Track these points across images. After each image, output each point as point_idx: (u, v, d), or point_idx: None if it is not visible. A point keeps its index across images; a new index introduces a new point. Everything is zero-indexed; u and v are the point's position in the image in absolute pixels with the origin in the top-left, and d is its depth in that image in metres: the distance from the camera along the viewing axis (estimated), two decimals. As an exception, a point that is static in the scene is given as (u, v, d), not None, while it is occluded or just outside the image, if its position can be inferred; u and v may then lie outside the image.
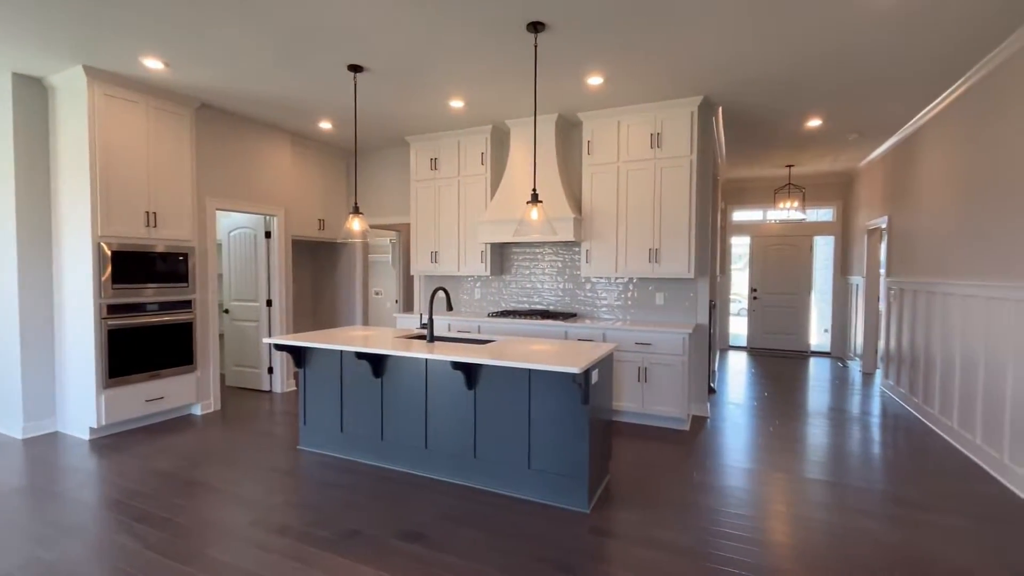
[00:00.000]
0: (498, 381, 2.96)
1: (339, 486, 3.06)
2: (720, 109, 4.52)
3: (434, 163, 5.36)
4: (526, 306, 5.28)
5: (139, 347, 4.00)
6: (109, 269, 3.80)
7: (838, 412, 4.73)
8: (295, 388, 5.50)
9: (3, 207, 3.89)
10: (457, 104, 4.41)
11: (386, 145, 5.93)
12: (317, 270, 6.60)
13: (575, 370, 2.46)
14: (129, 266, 3.92)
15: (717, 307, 6.97)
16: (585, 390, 2.64)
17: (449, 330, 5.04)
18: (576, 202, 4.85)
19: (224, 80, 3.90)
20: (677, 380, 4.12)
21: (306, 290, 6.52)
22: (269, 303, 5.29)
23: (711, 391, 5.32)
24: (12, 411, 3.91)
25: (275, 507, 2.79)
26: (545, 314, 4.78)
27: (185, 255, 4.31)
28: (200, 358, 4.50)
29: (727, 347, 8.54)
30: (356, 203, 3.63)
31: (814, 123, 4.97)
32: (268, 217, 5.24)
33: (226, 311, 5.55)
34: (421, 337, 3.72)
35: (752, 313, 8.42)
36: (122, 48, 3.33)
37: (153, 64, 3.57)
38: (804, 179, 7.97)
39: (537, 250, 5.22)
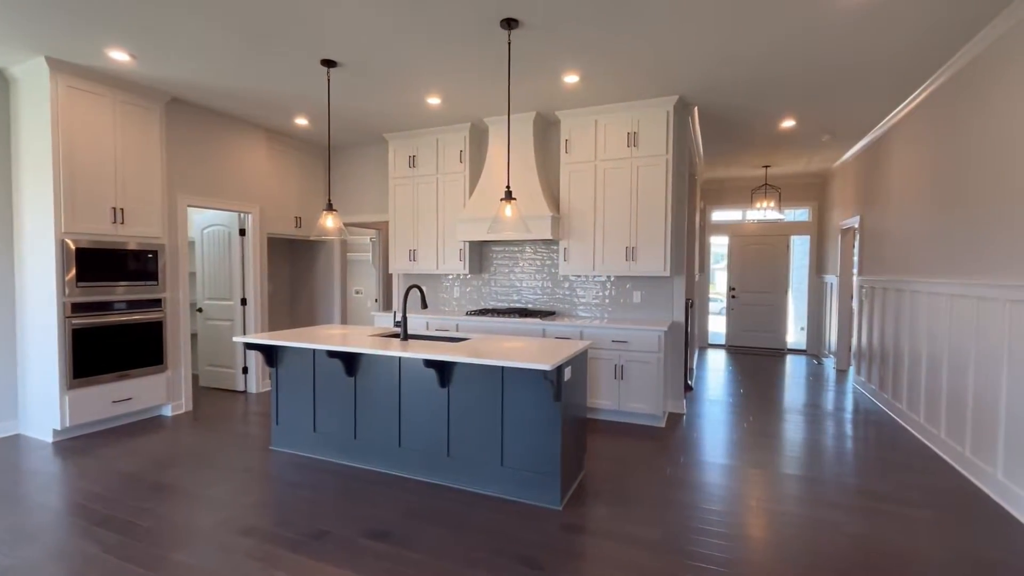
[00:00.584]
0: (472, 379, 2.95)
1: (310, 486, 3.01)
2: (696, 109, 4.57)
3: (412, 161, 5.32)
4: (505, 304, 5.28)
5: (106, 347, 3.90)
6: (74, 267, 3.70)
7: (812, 408, 4.81)
8: (269, 388, 5.40)
9: (-39, 202, 3.77)
10: (434, 101, 4.39)
11: (364, 142, 5.87)
12: (295, 269, 6.51)
13: (546, 367, 2.46)
14: (95, 264, 3.82)
15: (695, 305, 7.04)
16: (557, 387, 2.64)
17: (427, 328, 5.01)
18: (554, 200, 4.85)
19: (193, 74, 3.83)
20: (653, 378, 4.15)
21: (284, 289, 6.43)
22: (244, 302, 5.21)
23: (688, 388, 5.37)
24: (-29, 413, 3.78)
25: (243, 508, 2.74)
26: (524, 312, 4.78)
27: (155, 252, 4.21)
28: (171, 358, 4.40)
29: (706, 345, 8.64)
30: (330, 200, 3.59)
31: (788, 124, 5.05)
32: (243, 214, 5.15)
33: (199, 310, 5.44)
34: (396, 335, 3.69)
35: (731, 312, 8.53)
36: (86, 39, 3.24)
37: (119, 56, 3.48)
38: (780, 179, 8.11)
39: (516, 248, 5.21)
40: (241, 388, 5.28)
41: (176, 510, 2.71)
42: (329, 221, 3.58)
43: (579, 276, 4.92)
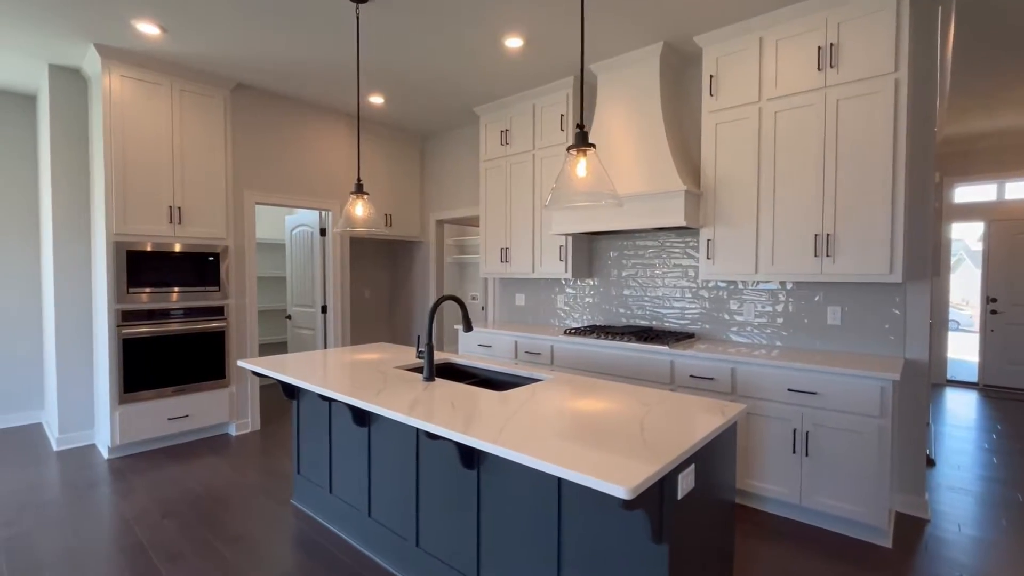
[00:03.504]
0: (510, 464, 1.70)
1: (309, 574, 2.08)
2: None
3: (505, 136, 4.23)
4: (622, 321, 3.86)
5: (160, 359, 3.55)
6: (125, 271, 3.39)
7: None
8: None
9: (45, 206, 3.75)
10: (515, 43, 3.22)
11: (455, 123, 4.97)
12: (394, 273, 5.93)
13: (622, 492, 1.10)
14: (148, 268, 3.48)
15: (933, 328, 4.68)
16: (657, 522, 1.26)
17: (514, 351, 3.85)
18: (691, 170, 3.31)
19: (226, 47, 3.26)
20: (869, 457, 2.38)
21: (383, 295, 5.89)
22: (324, 309, 4.67)
23: (929, 463, 3.31)
24: (54, 420, 3.73)
25: (186, 618, 1.89)
26: (646, 334, 3.33)
27: (216, 255, 3.80)
28: (234, 372, 3.97)
29: (943, 382, 5.94)
30: (359, 180, 2.66)
31: None
32: (322, 212, 4.63)
33: (288, 317, 5.09)
34: (449, 370, 2.61)
35: (989, 334, 5.71)
36: (111, 9, 2.81)
37: (147, 29, 3.02)
38: (1090, 128, 5.12)
39: (639, 243, 3.76)
40: (322, 405, 4.76)
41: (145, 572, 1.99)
42: (358, 208, 2.65)
43: (731, 282, 3.29)
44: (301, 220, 4.89)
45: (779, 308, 3.11)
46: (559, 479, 1.56)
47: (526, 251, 4.11)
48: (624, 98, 3.40)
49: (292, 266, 5.04)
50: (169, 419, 3.61)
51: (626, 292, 3.83)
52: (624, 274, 3.84)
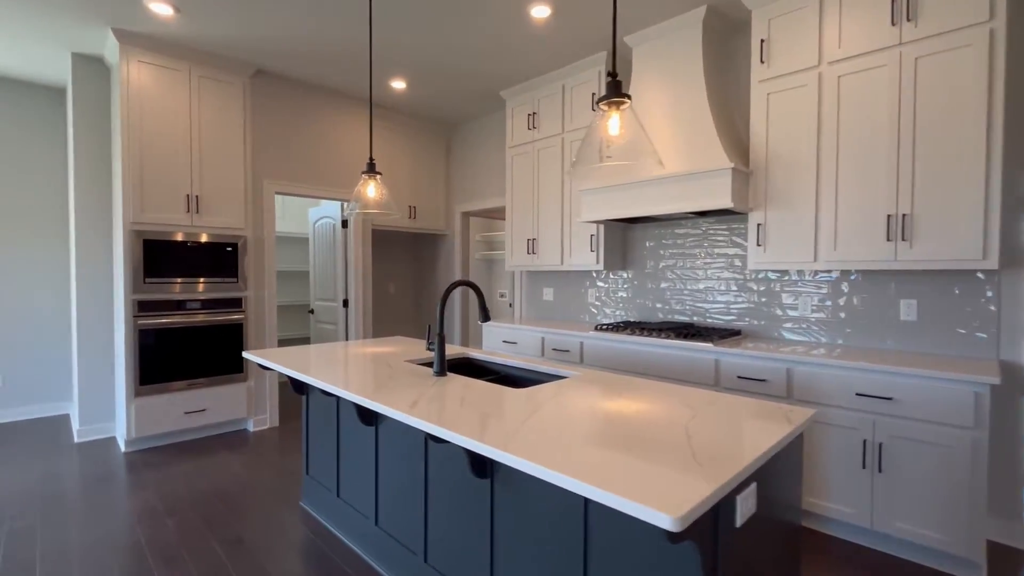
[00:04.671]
0: (528, 474, 1.45)
1: (291, 601, 1.88)
2: (1063, -75, 2.22)
3: (532, 120, 3.98)
4: (659, 316, 3.54)
5: (177, 350, 3.47)
6: (141, 261, 3.31)
7: None
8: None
9: (71, 199, 3.74)
10: (542, 12, 2.97)
11: (481, 111, 4.75)
12: (418, 267, 5.76)
13: (667, 521, 0.83)
14: (164, 258, 3.40)
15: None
16: (711, 554, 0.98)
17: (542, 346, 3.59)
18: (738, 148, 2.97)
19: (244, 28, 3.13)
20: (959, 474, 2.01)
21: (407, 290, 5.73)
22: (345, 303, 4.53)
23: None
24: (76, 413, 3.71)
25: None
26: (686, 330, 3.01)
27: (234, 245, 3.70)
28: (253, 365, 3.86)
29: None
30: (372, 159, 2.46)
31: None
32: (344, 203, 4.49)
33: (311, 311, 4.98)
34: (466, 366, 2.38)
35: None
36: (116, -13, 2.73)
37: (160, 9, 2.92)
38: None
39: (677, 230, 3.44)
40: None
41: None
42: (370, 189, 2.45)
43: (784, 272, 2.93)
44: (324, 212, 4.77)
45: (841, 301, 2.73)
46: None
47: (554, 242, 3.84)
48: (663, 71, 3.10)
49: (315, 259, 4.93)
50: (185, 413, 3.52)
51: (663, 285, 3.51)
52: (661, 265, 3.52)
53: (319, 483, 2.51)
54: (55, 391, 4.20)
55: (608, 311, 3.85)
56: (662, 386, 1.76)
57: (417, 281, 5.77)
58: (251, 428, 3.86)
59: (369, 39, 2.68)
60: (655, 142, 3.05)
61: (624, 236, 3.73)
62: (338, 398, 2.33)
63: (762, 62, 2.74)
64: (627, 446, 1.15)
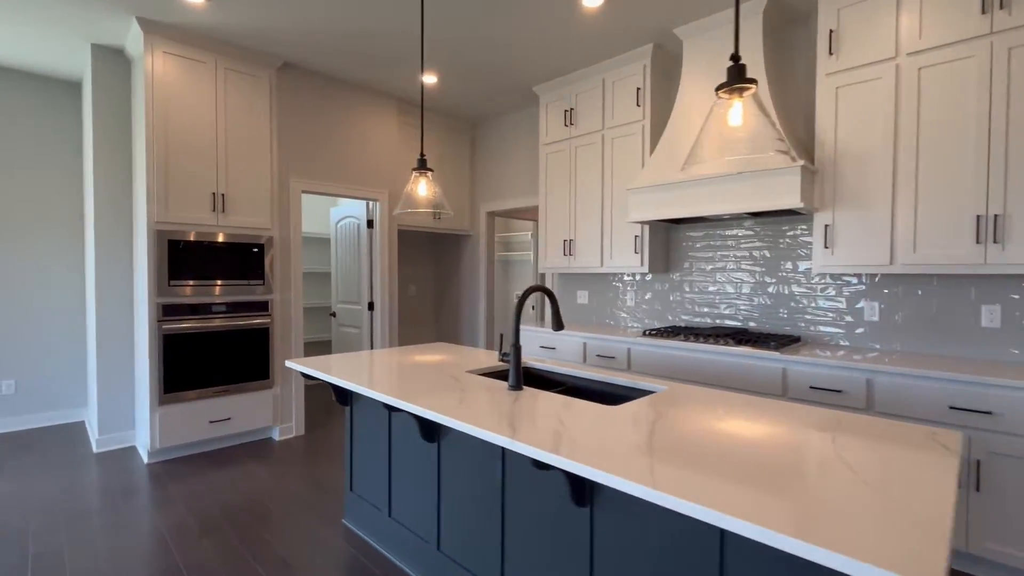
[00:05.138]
0: (636, 503, 1.30)
1: (352, 636, 1.72)
2: None
3: (569, 116, 3.83)
4: (706, 321, 3.39)
5: (202, 356, 3.30)
6: (166, 262, 3.15)
7: None
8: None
9: (88, 198, 3.58)
10: (594, 1, 2.81)
11: (511, 106, 4.60)
12: (441, 269, 5.61)
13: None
14: (190, 259, 3.24)
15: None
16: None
17: (584, 352, 3.44)
18: (800, 145, 2.83)
19: (273, 18, 2.97)
20: (1067, 499, 1.86)
21: (427, 293, 5.57)
22: (371, 306, 4.37)
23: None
24: (94, 421, 3.54)
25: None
26: (740, 337, 2.86)
27: (261, 246, 3.54)
28: (279, 371, 3.70)
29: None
30: (423, 154, 2.30)
31: None
32: (370, 203, 4.33)
33: (333, 314, 4.82)
34: (504, 375, 2.22)
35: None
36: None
37: (191, -5, 2.77)
38: None
39: (727, 231, 3.29)
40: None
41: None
42: (421, 187, 2.29)
43: (847, 276, 2.78)
44: (347, 212, 4.61)
45: (911, 306, 2.59)
46: (720, 532, 1.14)
47: (593, 243, 3.69)
48: (718, 65, 2.95)
49: (337, 260, 4.77)
50: (210, 422, 3.36)
51: (710, 288, 3.37)
52: (708, 268, 3.38)
53: (365, 501, 2.35)
54: (70, 397, 4.03)
55: (649, 315, 3.70)
56: (764, 402, 1.61)
57: (437, 283, 5.61)
58: (276, 437, 3.70)
59: (421, 26, 2.52)
60: (711, 139, 2.89)
61: (667, 237, 3.58)
62: (390, 411, 2.17)
63: (830, 54, 2.59)
64: (782, 482, 1.00)
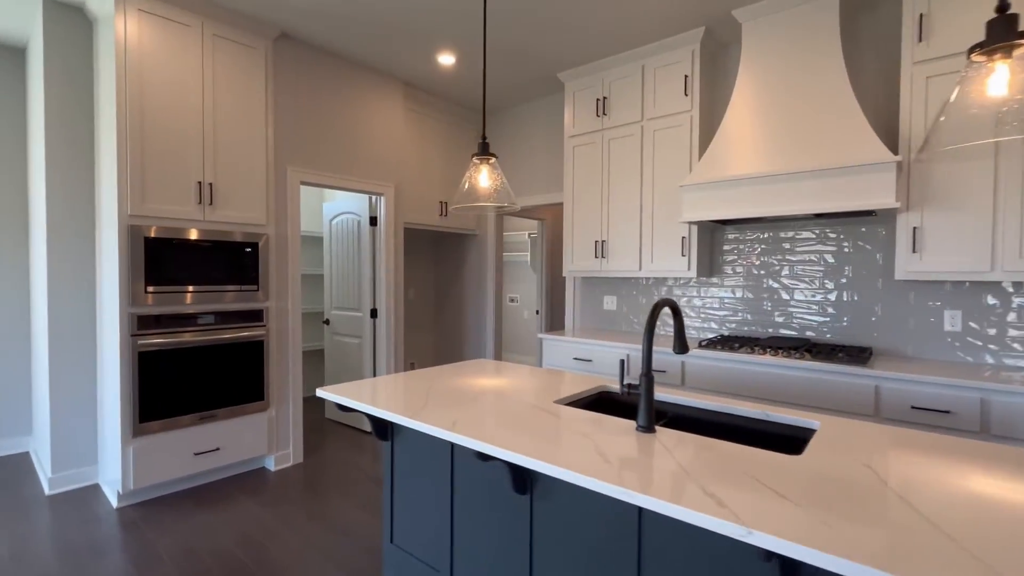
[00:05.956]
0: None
1: None
2: None
3: (602, 105, 3.50)
4: (755, 330, 3.14)
5: (186, 377, 2.78)
6: (142, 264, 2.61)
7: None
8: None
9: (36, 188, 2.97)
10: (659, -28, 2.49)
11: (527, 96, 4.24)
12: (440, 271, 5.17)
13: None
14: (172, 260, 2.71)
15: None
16: None
17: (627, 366, 3.12)
18: (888, 137, 2.60)
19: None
20: None
21: (426, 296, 5.12)
22: (374, 313, 3.91)
23: None
24: (46, 454, 2.94)
25: None
26: (804, 347, 2.62)
27: (255, 245, 3.03)
28: (275, 391, 3.20)
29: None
30: (484, 137, 1.91)
31: None
32: (373, 197, 3.86)
33: (326, 322, 4.32)
34: (611, 404, 1.87)
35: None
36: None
37: (181, -62, 2.26)
38: None
39: (782, 232, 3.05)
40: (368, 428, 3.99)
41: None
42: (483, 177, 1.90)
43: (943, 279, 2.58)
44: (344, 207, 4.12)
45: (1010, 315, 2.40)
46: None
47: (629, 244, 3.38)
48: (785, 50, 2.69)
49: (332, 262, 4.27)
50: (196, 454, 2.83)
51: (763, 295, 3.12)
52: (760, 272, 3.13)
53: (412, 556, 1.94)
54: (9, 424, 3.37)
55: (694, 324, 3.42)
56: (1007, 451, 1.32)
57: (439, 286, 5.18)
58: (272, 466, 3.19)
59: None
60: (779, 132, 2.64)
61: (711, 239, 3.31)
62: (453, 450, 1.77)
63: (920, 40, 2.36)
64: None
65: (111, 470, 2.73)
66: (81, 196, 2.92)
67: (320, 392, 1.85)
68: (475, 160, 1.91)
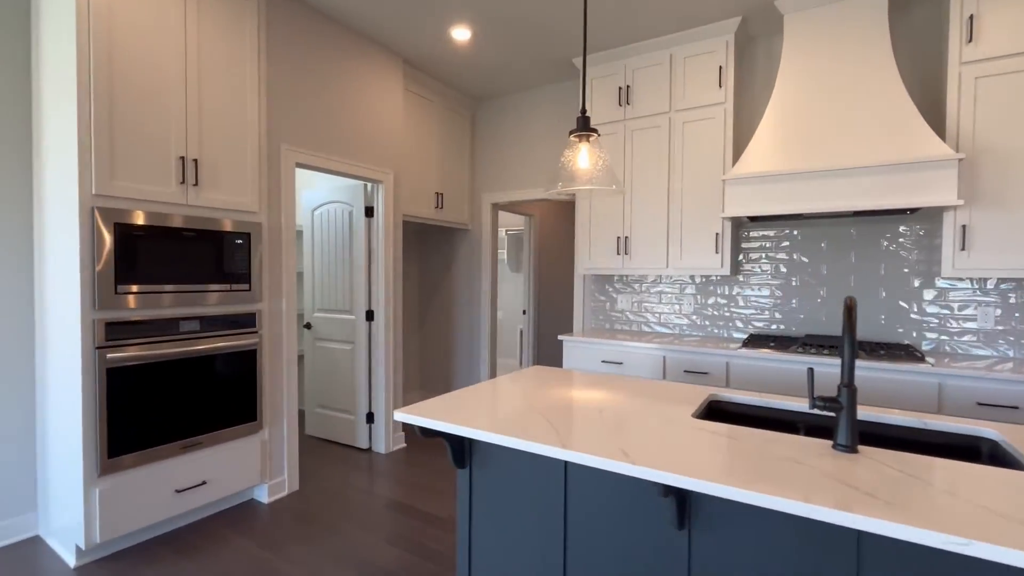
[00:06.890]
0: None
1: None
2: None
3: (624, 95, 3.33)
4: (781, 328, 3.10)
5: (164, 396, 2.25)
6: (112, 258, 2.07)
7: None
8: (405, 446, 3.64)
9: (-45, 152, 2.31)
10: (724, -51, 2.35)
11: (534, 82, 3.98)
12: (426, 269, 4.78)
13: None
14: (147, 253, 2.18)
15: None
16: None
17: (663, 368, 2.96)
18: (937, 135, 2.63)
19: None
20: None
21: (412, 297, 4.72)
22: (370, 315, 3.48)
23: None
24: (-36, 503, 2.28)
25: None
26: (862, 347, 2.59)
27: (246, 236, 2.55)
28: (269, 409, 2.72)
29: None
30: (584, 110, 1.64)
31: None
32: (370, 185, 3.44)
33: (307, 325, 3.81)
34: (733, 415, 1.68)
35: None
36: None
37: None
38: None
39: (816, 229, 3.03)
40: (364, 445, 3.55)
41: None
42: (582, 156, 1.63)
43: (977, 281, 2.64)
44: (330, 196, 3.64)
45: (1039, 312, 2.49)
46: None
47: (655, 241, 3.24)
48: (833, 43, 2.65)
49: (315, 257, 3.77)
50: (177, 491, 2.31)
51: (792, 293, 3.09)
52: (787, 270, 3.09)
53: (500, 604, 1.63)
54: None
55: (713, 322, 3.34)
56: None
57: (426, 285, 4.78)
58: (264, 498, 2.71)
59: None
60: (826, 127, 2.59)
61: (737, 236, 3.24)
62: (566, 476, 1.49)
63: (969, 41, 2.39)
64: None
65: (60, 518, 2.16)
66: (12, 167, 2.29)
67: (398, 415, 1.49)
68: (573, 138, 1.64)
